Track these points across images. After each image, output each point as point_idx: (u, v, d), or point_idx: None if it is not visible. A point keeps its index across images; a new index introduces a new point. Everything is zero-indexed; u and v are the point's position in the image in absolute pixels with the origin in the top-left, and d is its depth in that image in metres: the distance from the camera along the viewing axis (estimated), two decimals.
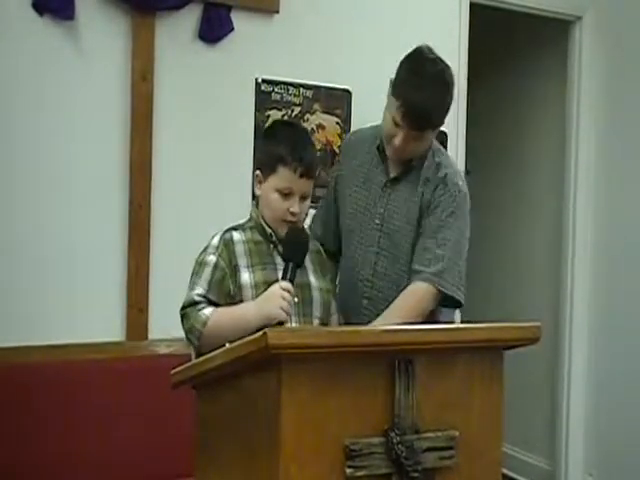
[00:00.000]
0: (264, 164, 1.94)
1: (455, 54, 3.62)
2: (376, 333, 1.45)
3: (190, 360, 1.76)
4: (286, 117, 3.19)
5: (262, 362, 1.32)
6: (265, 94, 3.17)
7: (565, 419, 4.07)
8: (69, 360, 2.71)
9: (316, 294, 1.97)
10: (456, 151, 3.67)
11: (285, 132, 2.01)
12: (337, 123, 3.32)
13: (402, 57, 2.12)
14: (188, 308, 1.83)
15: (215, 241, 1.92)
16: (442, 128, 3.41)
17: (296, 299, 1.84)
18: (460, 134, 3.69)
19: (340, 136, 3.27)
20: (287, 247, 1.89)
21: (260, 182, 1.95)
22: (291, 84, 3.21)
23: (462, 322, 3.59)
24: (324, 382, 1.33)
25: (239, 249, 1.90)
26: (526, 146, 4.59)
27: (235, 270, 1.87)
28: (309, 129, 3.23)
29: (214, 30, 3.04)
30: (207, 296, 1.83)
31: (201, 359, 1.53)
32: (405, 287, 2.06)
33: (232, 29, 3.07)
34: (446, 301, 2.09)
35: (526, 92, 4.57)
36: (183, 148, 3.01)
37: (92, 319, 2.83)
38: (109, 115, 2.88)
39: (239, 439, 1.45)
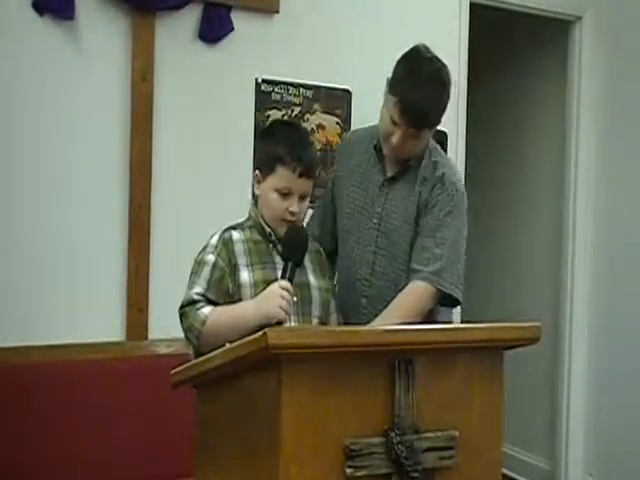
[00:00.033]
0: (263, 164, 1.94)
1: (455, 54, 3.62)
2: (376, 333, 1.45)
3: (189, 360, 1.76)
4: (286, 117, 3.19)
5: (262, 362, 1.32)
6: (265, 94, 3.17)
7: (565, 419, 4.07)
8: (69, 360, 2.71)
9: (315, 293, 1.97)
10: (456, 151, 3.67)
11: (284, 132, 2.01)
12: (337, 123, 3.32)
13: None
14: (187, 307, 1.83)
15: (214, 240, 1.92)
16: (442, 128, 3.46)
17: (295, 298, 1.84)
18: (460, 134, 3.69)
19: (340, 136, 3.27)
20: (286, 246, 1.89)
21: (259, 182, 1.96)
22: (291, 84, 3.21)
23: (462, 322, 3.59)
24: (324, 382, 1.33)
25: (238, 248, 1.90)
26: (526, 146, 4.59)
27: (234, 269, 1.87)
28: (309, 129, 3.23)
29: (214, 30, 3.04)
30: (206, 295, 1.83)
31: (201, 359, 1.53)
32: (404, 286, 2.06)
33: (232, 29, 3.07)
34: (444, 300, 2.10)
35: (526, 92, 4.57)
36: (183, 148, 3.01)
37: (92, 319, 2.83)
38: (109, 115, 2.88)
39: (239, 439, 1.45)
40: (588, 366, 4.05)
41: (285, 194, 1.90)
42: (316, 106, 3.27)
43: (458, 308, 3.67)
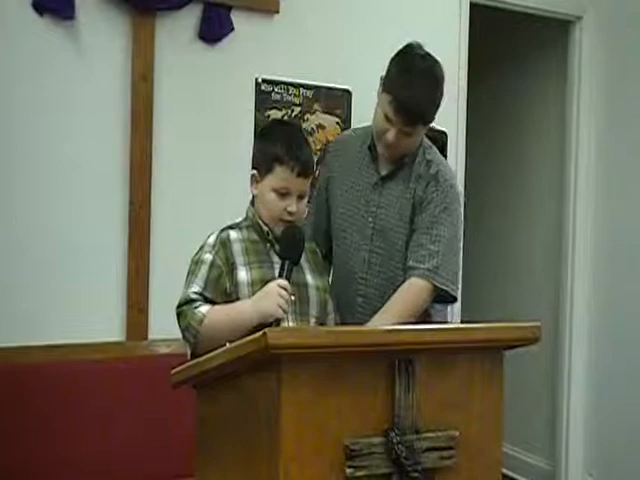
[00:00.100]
0: (261, 164, 1.94)
1: (455, 54, 3.63)
2: (376, 333, 1.45)
3: (189, 360, 1.76)
4: (286, 117, 3.19)
5: (262, 362, 1.32)
6: (265, 94, 3.17)
7: (565, 419, 4.07)
8: (69, 360, 2.71)
9: (313, 293, 1.97)
10: (456, 151, 3.67)
11: (281, 132, 2.01)
12: (337, 123, 3.32)
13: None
14: (184, 306, 1.82)
15: (211, 240, 1.92)
16: (442, 128, 3.46)
17: (293, 297, 1.84)
18: (460, 134, 3.69)
19: None
20: (283, 245, 1.89)
21: (257, 182, 1.95)
22: (291, 84, 3.21)
23: (462, 322, 3.60)
24: (324, 382, 1.33)
25: (236, 247, 1.90)
26: (526, 146, 4.59)
27: (232, 268, 1.87)
28: (309, 129, 3.23)
29: (214, 30, 3.04)
30: (203, 294, 1.83)
31: (201, 359, 1.53)
32: (400, 284, 2.07)
33: (232, 29, 3.08)
34: (441, 297, 2.10)
35: (526, 92, 4.57)
36: (183, 148, 3.01)
37: (92, 319, 2.83)
38: (109, 115, 2.88)
39: (239, 439, 1.45)
40: (588, 366, 4.05)
41: (283, 194, 1.90)
42: (316, 106, 3.27)
43: (458, 308, 3.70)
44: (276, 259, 1.90)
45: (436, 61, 2.10)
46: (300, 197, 1.92)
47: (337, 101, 3.31)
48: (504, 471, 3.33)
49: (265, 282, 1.83)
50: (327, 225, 2.30)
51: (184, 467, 1.87)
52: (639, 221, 3.80)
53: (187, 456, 1.78)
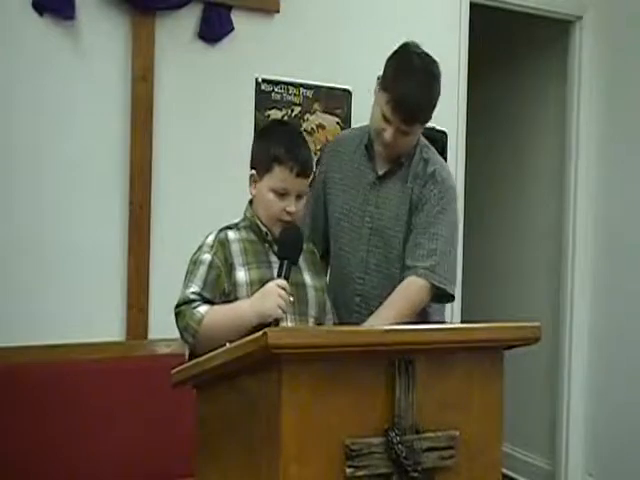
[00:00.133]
0: (259, 164, 1.94)
1: (455, 54, 3.63)
2: (377, 333, 1.45)
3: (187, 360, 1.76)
4: (286, 117, 3.19)
5: (262, 362, 1.32)
6: (265, 94, 3.17)
7: (565, 419, 4.08)
8: (69, 360, 2.71)
9: (311, 293, 1.97)
10: (456, 151, 3.67)
11: (280, 132, 2.01)
12: (337, 123, 3.32)
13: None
14: (183, 306, 1.82)
15: (210, 240, 1.91)
16: (442, 128, 3.46)
17: (291, 298, 1.83)
18: (460, 134, 3.69)
19: None
20: (282, 246, 1.89)
21: (255, 182, 1.95)
22: (291, 84, 3.21)
23: (462, 322, 3.60)
24: (324, 382, 1.33)
25: (234, 248, 1.90)
26: (526, 146, 4.59)
27: (231, 268, 1.87)
28: (309, 129, 3.23)
29: (214, 30, 3.04)
30: (202, 294, 1.82)
31: (201, 359, 1.53)
32: (398, 283, 2.07)
33: (232, 29, 3.08)
34: (439, 295, 2.11)
35: (526, 92, 4.57)
36: (183, 148, 3.01)
37: (92, 319, 2.83)
38: (109, 115, 2.88)
39: (239, 439, 1.45)
40: (588, 366, 4.05)
41: (282, 194, 1.90)
42: (316, 106, 3.27)
43: (458, 308, 3.70)
44: (274, 259, 1.90)
45: (433, 60, 2.11)
46: (299, 197, 1.92)
47: (337, 101, 3.31)
48: (504, 471, 3.33)
49: (264, 282, 1.83)
50: (324, 226, 2.30)
51: (184, 467, 1.87)
52: (639, 221, 3.80)
53: (187, 456, 1.77)
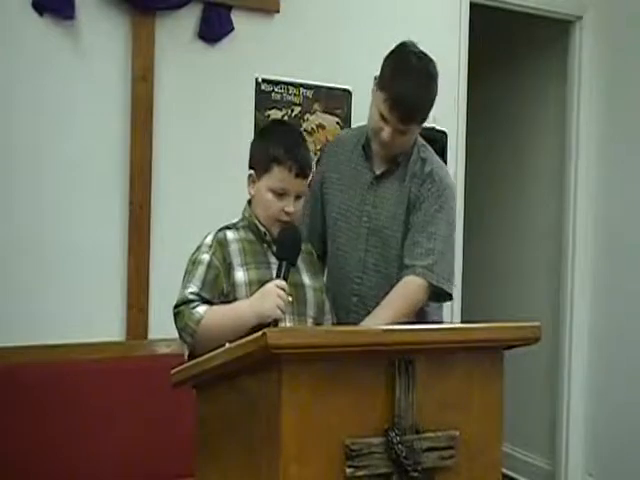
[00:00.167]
0: (258, 164, 1.94)
1: (455, 54, 3.63)
2: (376, 333, 1.45)
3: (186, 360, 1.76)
4: (286, 117, 3.19)
5: (262, 362, 1.32)
6: (265, 94, 3.17)
7: (565, 419, 4.08)
8: (69, 360, 2.71)
9: (310, 294, 1.97)
10: (456, 151, 3.67)
11: (279, 132, 2.01)
12: (337, 123, 3.32)
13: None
14: (182, 306, 1.81)
15: (208, 240, 1.91)
16: (442, 128, 3.47)
17: (290, 298, 1.83)
18: (460, 134, 3.69)
19: None
20: (281, 246, 1.89)
21: (254, 182, 1.95)
22: (291, 84, 3.21)
23: (462, 322, 3.60)
24: (324, 382, 1.33)
25: (233, 248, 1.90)
26: (526, 146, 4.59)
27: (229, 268, 1.87)
28: (309, 129, 3.23)
29: (214, 30, 3.04)
30: (201, 294, 1.82)
31: (201, 359, 1.53)
32: (396, 282, 2.08)
33: (232, 29, 3.08)
34: (437, 294, 2.11)
35: (526, 92, 4.57)
36: (183, 148, 3.01)
37: (92, 319, 2.83)
38: (109, 115, 2.88)
39: (239, 439, 1.45)
40: (588, 366, 4.05)
41: (281, 194, 1.90)
42: (316, 106, 3.27)
43: (458, 308, 3.70)
44: (273, 259, 1.90)
45: (430, 59, 2.11)
46: (297, 197, 1.92)
47: (337, 101, 3.31)
48: (504, 471, 3.33)
49: (263, 283, 1.83)
50: (322, 226, 2.30)
51: (184, 467, 1.87)
52: (639, 221, 3.80)
53: (187, 456, 1.77)
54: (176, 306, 1.83)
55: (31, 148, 2.76)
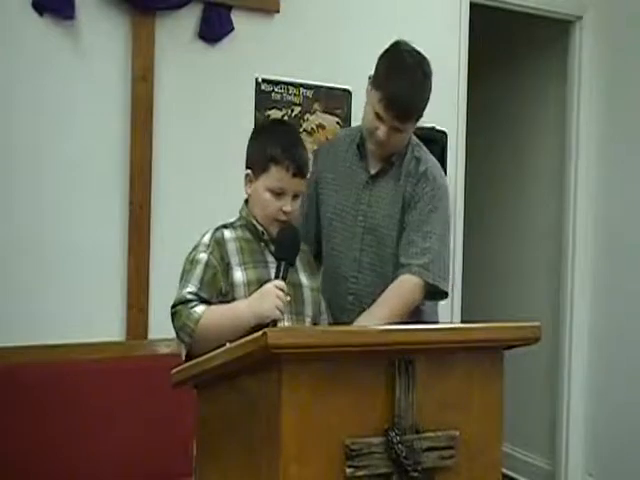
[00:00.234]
0: (255, 163, 1.93)
1: (455, 54, 3.63)
2: (376, 333, 1.45)
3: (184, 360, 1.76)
4: (286, 117, 3.19)
5: (262, 362, 1.32)
6: (265, 94, 3.17)
7: (565, 419, 4.08)
8: (69, 360, 2.71)
9: (307, 293, 1.97)
10: (456, 151, 3.67)
11: (276, 131, 2.01)
12: (337, 123, 3.32)
13: None
14: (179, 306, 1.80)
15: (206, 239, 1.91)
16: (442, 128, 3.47)
17: (288, 298, 1.84)
18: (460, 134, 3.69)
19: None
20: (280, 246, 1.89)
21: (251, 181, 1.95)
22: (291, 84, 3.21)
23: (462, 322, 3.60)
24: (324, 382, 1.33)
25: (231, 247, 1.89)
26: (526, 146, 4.59)
27: (227, 268, 1.86)
28: (309, 129, 3.23)
29: (214, 30, 3.04)
30: (199, 294, 1.81)
31: (201, 359, 1.53)
32: (391, 281, 2.08)
33: (232, 29, 3.08)
34: (432, 293, 2.12)
35: (526, 92, 4.57)
36: (183, 148, 3.01)
37: (92, 319, 2.83)
38: (109, 115, 2.88)
39: (239, 439, 1.45)
40: (588, 366, 4.05)
41: (279, 194, 1.89)
42: (316, 106, 3.27)
43: (458, 308, 3.70)
44: (271, 259, 1.90)
45: (424, 57, 2.12)
46: (295, 197, 1.92)
47: (337, 101, 3.31)
48: (504, 471, 3.33)
49: (261, 282, 1.83)
50: (316, 226, 2.30)
51: (184, 467, 1.87)
52: (639, 221, 3.80)
53: (187, 456, 1.77)
54: (174, 306, 1.82)
55: (31, 148, 2.76)
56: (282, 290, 1.79)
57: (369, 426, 1.37)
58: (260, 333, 1.28)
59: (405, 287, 2.06)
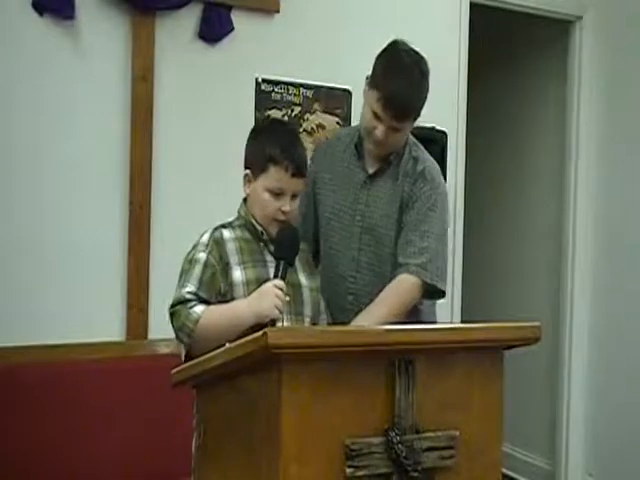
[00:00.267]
0: (254, 164, 1.93)
1: (455, 54, 3.63)
2: (377, 333, 1.45)
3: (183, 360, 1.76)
4: (286, 117, 3.19)
5: (262, 362, 1.32)
6: (265, 94, 3.17)
7: (565, 419, 4.07)
8: (69, 360, 2.71)
9: (306, 293, 1.97)
10: (456, 151, 3.67)
11: (275, 131, 2.01)
12: (337, 123, 3.32)
13: None
14: (178, 306, 1.80)
15: (205, 239, 1.90)
16: (442, 128, 3.46)
17: (288, 298, 1.83)
18: (460, 134, 3.69)
19: None
20: (279, 246, 1.89)
21: (250, 181, 1.95)
22: (291, 84, 3.21)
23: (462, 322, 3.60)
24: (324, 382, 1.33)
25: (230, 247, 1.89)
26: (526, 146, 4.59)
27: (226, 267, 1.86)
28: (309, 129, 3.23)
29: (214, 30, 3.04)
30: (198, 294, 1.81)
31: (201, 359, 1.53)
32: (390, 281, 2.09)
33: (232, 29, 3.08)
34: (430, 292, 2.13)
35: (526, 92, 4.57)
36: (183, 148, 3.01)
37: (92, 319, 2.83)
38: (109, 115, 2.88)
39: (239, 439, 1.45)
40: (588, 366, 4.05)
41: (277, 194, 1.89)
42: (316, 106, 3.27)
43: (458, 308, 3.70)
44: (269, 258, 1.90)
45: (421, 56, 2.13)
46: (294, 197, 1.92)
47: (337, 101, 3.31)
48: (504, 471, 3.33)
49: (260, 282, 1.83)
50: (314, 226, 2.31)
51: (184, 467, 1.87)
52: (639, 221, 3.80)
53: (187, 456, 1.77)
54: (172, 305, 1.81)
55: (31, 148, 2.76)
56: (281, 289, 1.79)
57: (369, 426, 1.37)
58: (260, 333, 1.28)
59: (403, 286, 2.07)
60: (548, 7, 3.95)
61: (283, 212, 1.90)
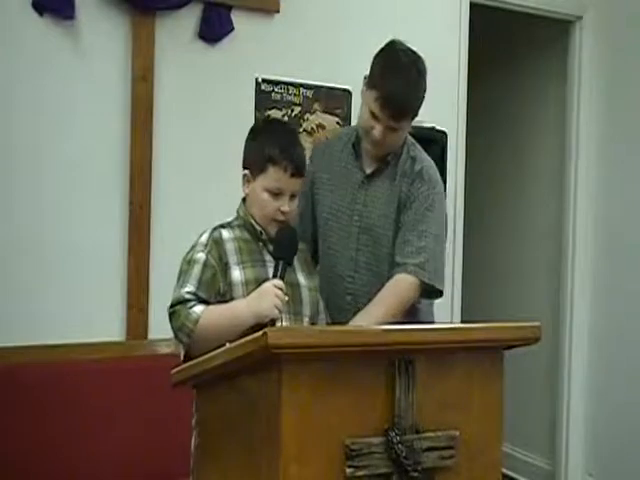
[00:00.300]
0: (253, 164, 1.93)
1: (455, 54, 3.63)
2: (377, 333, 1.45)
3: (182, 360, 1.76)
4: (286, 117, 3.19)
5: (262, 362, 1.32)
6: (265, 94, 3.17)
7: (565, 419, 4.07)
8: (69, 360, 2.71)
9: (305, 293, 1.97)
10: (456, 151, 3.67)
11: (273, 131, 2.01)
12: (337, 123, 3.32)
13: None
14: (178, 306, 1.79)
15: (204, 239, 1.90)
16: (442, 128, 3.46)
17: (286, 298, 1.84)
18: (460, 134, 3.69)
19: None
20: (278, 246, 1.89)
21: (249, 181, 1.95)
22: (291, 84, 3.21)
23: (462, 322, 3.60)
24: (324, 382, 1.33)
25: (229, 247, 1.89)
26: (526, 146, 4.59)
27: (225, 267, 1.86)
28: (309, 129, 3.23)
29: (214, 30, 3.04)
30: (197, 294, 1.81)
31: (201, 359, 1.53)
32: (387, 280, 2.09)
33: (232, 29, 3.08)
34: (427, 292, 2.13)
35: (526, 92, 4.57)
36: (183, 148, 3.01)
37: (92, 319, 2.83)
38: (109, 115, 2.88)
39: (239, 439, 1.45)
40: (588, 366, 4.05)
41: (276, 194, 1.89)
42: (316, 106, 3.27)
43: (458, 308, 3.70)
44: (268, 258, 1.90)
45: (418, 56, 2.14)
46: (292, 197, 1.92)
47: (337, 101, 3.31)
48: (504, 471, 3.33)
49: (259, 282, 1.83)
50: (312, 226, 2.31)
51: (184, 467, 1.87)
52: (639, 221, 3.80)
53: (187, 456, 1.78)
54: (172, 306, 1.81)
55: (31, 148, 2.76)
56: (280, 289, 1.79)
57: (369, 426, 1.37)
58: (260, 333, 1.28)
59: (401, 286, 2.07)
60: (548, 7, 3.95)
61: (282, 212, 1.90)
